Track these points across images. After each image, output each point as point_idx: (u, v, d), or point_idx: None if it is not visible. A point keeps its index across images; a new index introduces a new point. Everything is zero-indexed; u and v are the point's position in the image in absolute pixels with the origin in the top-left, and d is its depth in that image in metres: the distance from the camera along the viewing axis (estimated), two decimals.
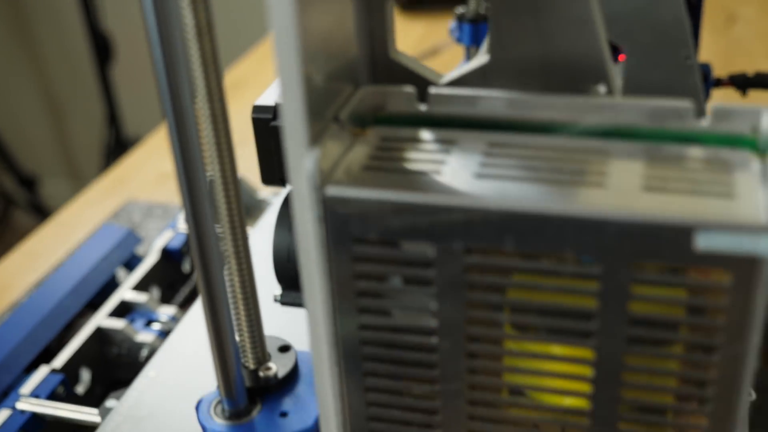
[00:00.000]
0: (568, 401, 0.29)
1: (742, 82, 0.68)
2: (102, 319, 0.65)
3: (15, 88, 1.95)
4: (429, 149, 0.29)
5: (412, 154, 0.29)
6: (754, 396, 0.56)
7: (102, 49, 1.81)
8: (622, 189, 0.27)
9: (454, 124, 0.31)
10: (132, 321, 0.66)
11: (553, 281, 0.27)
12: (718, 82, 0.68)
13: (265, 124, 0.50)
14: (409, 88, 0.31)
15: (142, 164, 0.99)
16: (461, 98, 0.30)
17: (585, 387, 0.29)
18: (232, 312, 0.34)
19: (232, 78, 1.09)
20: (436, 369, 0.30)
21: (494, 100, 0.30)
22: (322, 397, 0.32)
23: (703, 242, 0.25)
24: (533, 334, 0.28)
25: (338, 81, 0.30)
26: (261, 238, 0.60)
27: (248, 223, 0.69)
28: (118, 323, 0.65)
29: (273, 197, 0.79)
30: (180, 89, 0.29)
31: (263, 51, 1.14)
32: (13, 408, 0.57)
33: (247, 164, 0.77)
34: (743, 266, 0.25)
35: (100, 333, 0.65)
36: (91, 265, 0.70)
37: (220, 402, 0.35)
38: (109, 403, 0.56)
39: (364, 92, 0.31)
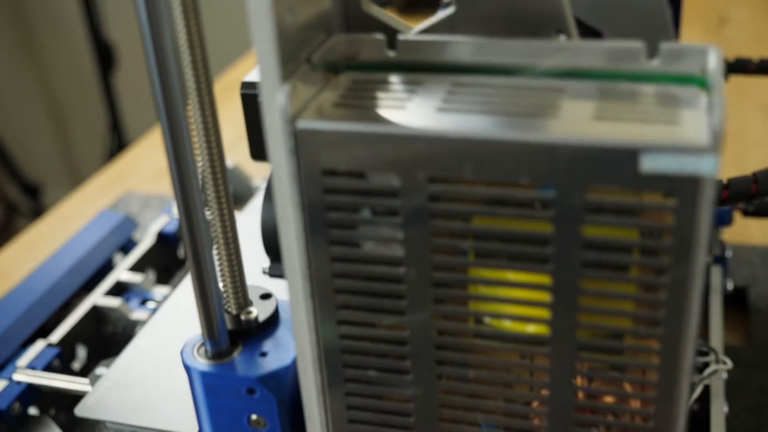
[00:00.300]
0: (531, 329, 0.31)
1: (724, 68, 0.70)
2: (98, 297, 0.67)
3: (18, 96, 1.98)
4: (396, 89, 0.31)
5: (379, 94, 0.31)
6: (730, 365, 0.57)
7: (105, 57, 1.83)
8: (575, 119, 0.28)
9: (422, 70, 0.32)
10: (127, 300, 0.67)
11: (511, 209, 0.29)
12: None
13: (253, 99, 0.52)
14: (380, 36, 0.32)
15: (140, 160, 1.01)
16: (429, 44, 0.32)
17: (544, 313, 0.30)
18: (216, 260, 0.36)
19: (226, 82, 1.11)
20: (404, 299, 0.31)
21: (460, 45, 0.32)
22: (298, 330, 0.33)
23: (648, 164, 0.27)
24: (495, 261, 0.30)
25: (311, 29, 0.32)
26: (250, 220, 0.61)
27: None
28: (113, 301, 0.66)
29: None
30: (172, 88, 0.31)
31: (253, 58, 1.16)
32: (10, 379, 0.58)
33: (243, 157, 0.79)
34: (686, 187, 0.27)
35: (95, 311, 0.66)
36: (88, 249, 0.71)
37: (203, 344, 0.37)
38: (99, 370, 0.58)
39: (336, 39, 0.33)
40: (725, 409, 0.54)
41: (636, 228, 0.29)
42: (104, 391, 0.55)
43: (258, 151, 0.55)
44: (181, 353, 0.36)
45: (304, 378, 0.34)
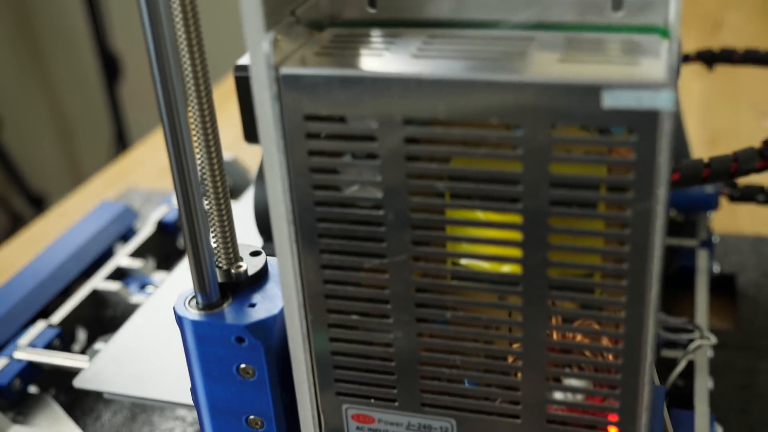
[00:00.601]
0: (505, 268, 0.33)
1: (709, 58, 0.72)
2: (98, 282, 0.68)
3: (23, 107, 2.00)
4: (375, 41, 0.33)
5: (359, 45, 0.33)
6: (714, 341, 0.58)
7: (110, 68, 1.86)
8: (542, 62, 0.30)
9: (401, 26, 0.34)
10: (127, 285, 0.69)
11: (482, 149, 0.30)
12: (686, 58, 0.72)
13: (246, 81, 0.54)
14: None
15: (142, 159, 1.03)
16: (408, 1, 0.34)
17: (516, 252, 0.32)
18: (207, 215, 0.38)
19: (226, 87, 1.13)
20: (383, 242, 0.33)
21: (437, 2, 0.34)
22: (284, 275, 0.35)
23: (609, 101, 0.28)
24: (469, 202, 0.31)
25: None
26: (245, 209, 0.63)
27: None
28: (113, 285, 0.68)
29: None
30: (174, 89, 0.34)
31: None
32: (11, 357, 0.60)
33: (242, 154, 0.81)
34: (646, 121, 0.28)
35: (95, 295, 0.68)
36: (88, 237, 0.73)
37: (194, 297, 0.38)
38: (98, 346, 0.59)
39: None
40: (710, 384, 0.55)
41: (600, 164, 0.30)
42: (102, 364, 0.57)
43: (251, 133, 0.56)
44: (174, 306, 0.38)
45: (291, 325, 0.36)
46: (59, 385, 0.62)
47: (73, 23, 1.93)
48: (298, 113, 0.31)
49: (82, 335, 0.66)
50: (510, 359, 0.34)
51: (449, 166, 0.31)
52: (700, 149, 0.89)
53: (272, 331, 0.37)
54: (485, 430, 0.36)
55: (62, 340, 0.64)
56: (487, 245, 0.32)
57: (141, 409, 0.61)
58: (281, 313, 0.38)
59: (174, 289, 0.65)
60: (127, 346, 0.59)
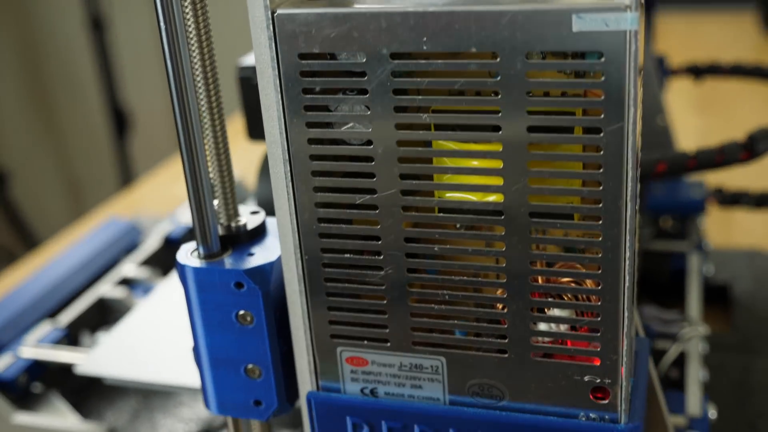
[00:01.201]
0: (489, 198, 0.34)
1: (696, 70, 0.74)
2: (104, 289, 0.70)
3: (32, 160, 2.04)
4: None
5: None
6: (705, 331, 0.60)
7: (120, 122, 1.90)
8: None
9: None
10: (133, 291, 0.71)
11: (464, 78, 0.33)
12: (675, 72, 0.75)
13: (249, 82, 0.57)
14: None
15: (149, 192, 1.05)
16: None
17: (498, 180, 0.34)
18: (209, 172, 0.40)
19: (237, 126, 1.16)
20: (374, 177, 0.35)
21: None
22: (280, 213, 0.37)
23: (579, 25, 0.31)
24: (453, 133, 0.34)
25: None
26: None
27: None
28: (119, 292, 0.70)
29: None
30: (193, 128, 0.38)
31: None
32: (17, 355, 0.61)
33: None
34: (613, 42, 0.31)
35: (102, 301, 0.70)
36: (95, 249, 0.75)
37: (196, 249, 0.40)
38: (100, 337, 0.61)
39: None
40: (702, 375, 0.56)
41: (574, 89, 0.32)
42: (103, 352, 0.58)
43: (255, 130, 0.59)
44: (176, 256, 0.40)
45: (287, 266, 0.38)
46: (64, 384, 0.63)
47: (83, 77, 1.98)
48: (293, 52, 0.34)
49: (87, 339, 0.68)
50: (495, 291, 0.36)
51: (434, 98, 0.34)
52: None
53: (270, 276, 0.39)
54: (474, 367, 0.37)
55: (68, 341, 0.65)
56: (471, 175, 0.34)
57: (144, 406, 0.62)
58: (279, 260, 0.39)
59: (177, 285, 0.67)
60: (128, 336, 0.61)
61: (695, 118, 1.15)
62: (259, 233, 0.41)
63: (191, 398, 0.61)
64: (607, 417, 0.36)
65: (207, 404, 0.43)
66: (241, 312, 0.39)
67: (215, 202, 0.41)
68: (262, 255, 0.40)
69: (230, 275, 0.39)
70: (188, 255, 0.40)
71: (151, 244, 0.77)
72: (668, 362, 0.57)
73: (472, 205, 0.35)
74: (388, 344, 0.38)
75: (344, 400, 0.39)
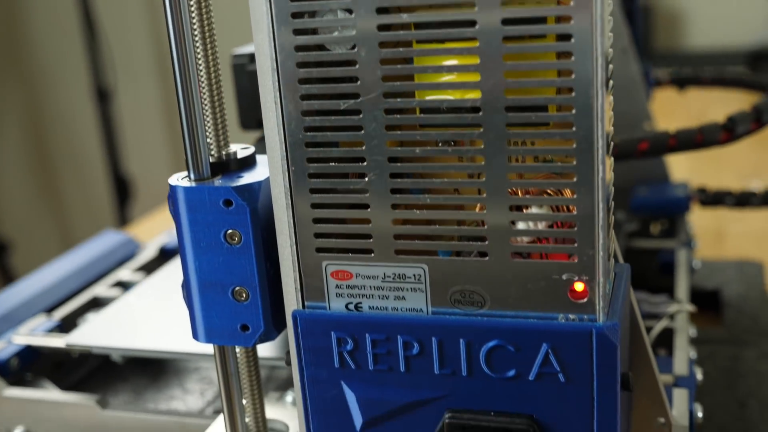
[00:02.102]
0: (467, 96, 0.36)
1: (680, 81, 0.77)
2: (99, 289, 0.71)
3: (33, 230, 2.06)
4: None
5: None
6: (692, 308, 0.60)
7: (122, 191, 1.93)
8: None
9: None
10: (127, 291, 0.71)
11: None
12: (659, 82, 0.77)
13: (243, 68, 0.59)
14: None
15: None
16: None
17: (475, 76, 0.35)
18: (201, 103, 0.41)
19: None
20: (358, 81, 0.37)
21: None
22: (267, 125, 0.38)
23: None
24: (432, 31, 0.35)
25: None
26: None
27: None
28: (113, 292, 0.70)
29: None
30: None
31: None
32: (9, 341, 0.62)
33: None
34: None
35: (95, 300, 0.70)
36: (91, 257, 0.76)
37: (188, 175, 0.41)
38: (89, 316, 0.62)
39: None
40: (690, 352, 0.57)
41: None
42: (92, 327, 0.59)
43: (247, 119, 0.61)
44: (168, 181, 0.41)
45: (275, 180, 0.39)
46: (56, 374, 0.64)
47: (87, 145, 2.02)
48: None
49: None
50: (475, 192, 0.37)
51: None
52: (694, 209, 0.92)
53: (258, 194, 0.40)
54: (455, 273, 0.38)
55: (61, 332, 0.66)
56: (450, 73, 0.36)
57: (138, 397, 0.62)
58: (267, 181, 0.41)
59: (171, 275, 0.68)
60: (117, 313, 0.62)
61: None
62: (248, 163, 0.43)
63: (180, 386, 0.62)
64: (585, 317, 0.37)
65: (195, 335, 0.43)
66: (229, 231, 0.41)
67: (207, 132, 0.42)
68: (250, 177, 0.41)
69: (219, 192, 0.40)
70: (179, 179, 0.41)
71: (147, 253, 0.79)
72: (655, 335, 0.57)
73: (450, 103, 0.36)
74: (372, 254, 0.39)
75: (329, 315, 0.40)
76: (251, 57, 0.60)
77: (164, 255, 0.79)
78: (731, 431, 0.57)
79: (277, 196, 0.40)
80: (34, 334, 0.64)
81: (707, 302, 0.76)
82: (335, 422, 0.41)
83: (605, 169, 0.35)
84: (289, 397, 0.52)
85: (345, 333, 0.40)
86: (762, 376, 0.63)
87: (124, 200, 1.93)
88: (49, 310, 0.70)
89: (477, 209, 0.37)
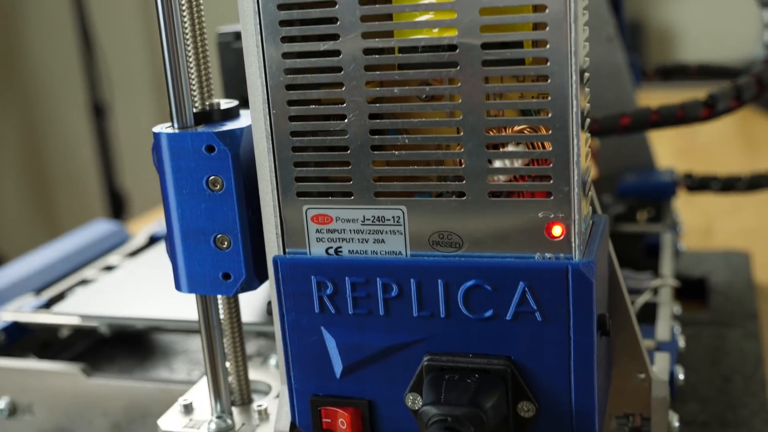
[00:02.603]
0: (444, 34, 0.37)
1: (664, 72, 0.78)
2: (87, 272, 0.71)
3: (28, 244, 2.06)
4: None
5: None
6: (675, 283, 0.61)
7: (117, 206, 1.94)
8: None
9: None
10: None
11: None
12: (645, 75, 0.78)
13: (228, 46, 0.60)
14: None
15: None
16: None
17: (451, 14, 0.36)
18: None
19: None
20: (337, 21, 0.37)
21: None
22: (249, 68, 0.39)
23: None
24: None
25: None
26: None
27: None
28: (102, 274, 0.71)
29: None
30: None
31: None
32: None
33: None
34: None
35: (83, 282, 0.71)
36: (82, 243, 0.76)
37: (171, 125, 0.42)
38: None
39: None
40: (675, 327, 0.57)
41: None
42: (79, 297, 0.59)
43: (232, 98, 0.62)
44: (152, 130, 0.42)
45: (256, 126, 0.40)
46: (44, 354, 0.64)
47: (82, 160, 2.03)
48: None
49: None
50: (453, 131, 0.38)
51: None
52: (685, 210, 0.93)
53: (240, 140, 0.41)
54: (433, 214, 0.39)
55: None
56: (427, 11, 0.37)
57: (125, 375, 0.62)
58: (249, 129, 0.41)
59: (159, 257, 0.69)
60: (106, 285, 0.62)
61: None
62: (232, 114, 0.43)
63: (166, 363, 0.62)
64: (562, 256, 0.37)
65: (177, 285, 0.43)
66: (212, 177, 0.41)
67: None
68: (233, 125, 0.42)
69: (201, 138, 0.41)
70: (164, 128, 0.42)
71: (137, 240, 0.79)
72: (638, 306, 0.57)
73: (428, 41, 0.37)
74: (352, 197, 0.39)
75: (309, 260, 0.40)
76: (236, 35, 0.61)
77: (154, 243, 0.79)
78: (715, 403, 0.57)
79: (258, 140, 0.40)
80: (21, 310, 0.64)
81: (693, 291, 0.76)
82: (316, 369, 0.42)
83: (579, 104, 0.36)
84: (272, 361, 0.52)
85: (325, 277, 0.40)
86: (746, 354, 0.63)
87: (118, 215, 1.94)
88: (38, 291, 0.70)
89: (455, 149, 0.38)
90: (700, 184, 0.71)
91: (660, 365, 0.48)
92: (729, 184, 0.70)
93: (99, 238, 0.79)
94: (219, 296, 0.45)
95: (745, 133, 1.40)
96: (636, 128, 0.60)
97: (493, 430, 0.38)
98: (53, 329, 0.64)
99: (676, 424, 0.45)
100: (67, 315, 0.58)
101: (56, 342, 0.66)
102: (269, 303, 0.43)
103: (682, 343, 0.53)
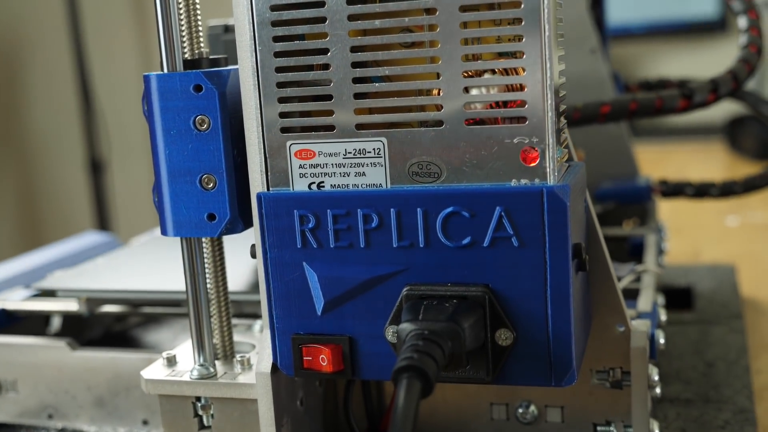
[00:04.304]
0: None
1: (647, 86, 0.80)
2: None
3: None
4: None
5: None
6: (659, 269, 0.62)
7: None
8: None
9: None
10: None
11: None
12: (628, 88, 0.80)
13: (218, 38, 0.62)
14: None
15: None
16: None
17: None
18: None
19: None
20: None
21: None
22: (237, 9, 0.41)
23: None
24: None
25: None
26: None
27: None
28: None
29: None
30: None
31: None
32: None
33: None
34: None
35: None
36: (73, 250, 0.77)
37: (162, 71, 0.43)
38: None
39: None
40: (660, 299, 0.57)
41: None
42: (62, 275, 0.60)
43: None
44: (143, 75, 0.43)
45: (242, 64, 0.41)
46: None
47: (79, 216, 2.04)
48: None
49: (56, 322, 0.69)
50: (430, 60, 0.39)
51: None
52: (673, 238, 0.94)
53: (227, 80, 0.42)
54: (413, 144, 0.40)
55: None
56: None
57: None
58: (236, 72, 0.43)
59: (146, 246, 0.69)
60: (89, 267, 0.63)
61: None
62: (219, 64, 0.45)
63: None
64: (537, 181, 0.39)
65: (164, 230, 0.44)
66: (199, 117, 0.42)
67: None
68: (221, 69, 0.43)
69: (190, 78, 0.42)
70: (153, 76, 0.43)
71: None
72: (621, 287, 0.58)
73: None
74: (334, 130, 0.41)
75: (292, 194, 0.41)
76: (226, 27, 0.63)
77: None
78: (699, 384, 0.57)
79: (244, 78, 0.41)
80: (10, 299, 0.64)
81: (679, 300, 0.77)
82: (297, 307, 0.42)
83: (551, 30, 0.37)
84: (256, 326, 0.52)
85: (307, 210, 0.41)
86: (729, 346, 0.63)
87: None
88: (28, 286, 0.70)
89: (434, 78, 0.39)
90: (674, 189, 0.73)
91: (640, 324, 0.48)
92: (702, 190, 0.71)
93: (91, 246, 0.80)
94: (204, 242, 0.45)
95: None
96: (616, 116, 0.61)
97: (470, 353, 0.38)
98: (43, 318, 0.64)
99: (656, 377, 0.46)
100: (47, 288, 0.59)
101: (44, 335, 0.66)
102: (253, 245, 0.43)
103: (663, 316, 0.54)
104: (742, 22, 0.67)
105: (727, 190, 0.71)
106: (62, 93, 2.11)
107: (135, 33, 2.09)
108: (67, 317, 0.66)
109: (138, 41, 2.09)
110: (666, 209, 1.14)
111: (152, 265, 0.65)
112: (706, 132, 1.71)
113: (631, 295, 0.57)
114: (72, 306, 0.59)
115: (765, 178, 0.71)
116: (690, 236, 1.03)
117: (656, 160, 1.57)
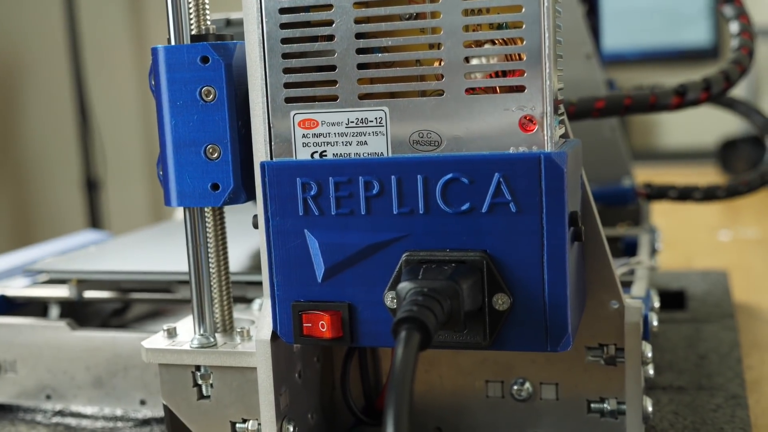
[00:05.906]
0: None
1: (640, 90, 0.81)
2: None
3: None
4: None
5: None
6: (652, 263, 0.63)
7: None
8: None
9: None
10: None
11: None
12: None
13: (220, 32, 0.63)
14: None
15: None
16: None
17: None
18: None
19: None
20: None
21: None
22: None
23: None
24: None
25: None
26: None
27: None
28: None
29: None
30: None
31: None
32: None
33: None
34: None
35: None
36: (72, 245, 0.78)
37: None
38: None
39: None
40: (653, 294, 0.58)
41: None
42: (59, 259, 0.61)
43: None
44: (151, 48, 0.44)
45: (249, 35, 0.42)
46: None
47: (70, 222, 2.04)
48: None
49: (54, 311, 0.69)
50: (432, 31, 0.40)
51: None
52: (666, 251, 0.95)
53: (233, 52, 0.43)
54: (414, 113, 0.41)
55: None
56: None
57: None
58: (242, 45, 0.44)
59: (144, 234, 0.70)
60: (87, 252, 0.63)
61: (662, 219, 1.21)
62: (225, 39, 0.46)
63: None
64: (535, 148, 0.40)
65: (167, 200, 0.45)
66: (205, 88, 0.43)
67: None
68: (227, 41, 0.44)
69: (197, 49, 0.43)
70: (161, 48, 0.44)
71: None
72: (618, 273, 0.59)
73: None
74: (338, 100, 0.42)
75: (295, 162, 0.42)
76: (228, 21, 0.64)
77: None
78: (691, 374, 0.58)
79: (250, 49, 0.43)
80: (9, 286, 0.65)
81: (672, 303, 0.77)
82: (298, 274, 0.43)
83: (551, 4, 0.39)
84: (255, 305, 0.53)
85: (309, 178, 0.42)
86: (722, 341, 0.64)
87: None
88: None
89: (436, 48, 0.40)
90: (658, 192, 0.74)
91: (633, 302, 0.49)
92: (685, 194, 0.72)
93: (90, 243, 0.80)
94: (206, 216, 0.46)
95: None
96: (610, 112, 0.63)
97: (468, 317, 0.39)
98: (41, 310, 0.65)
99: (649, 354, 0.46)
100: (43, 270, 0.60)
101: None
102: (255, 216, 0.44)
103: (657, 302, 0.55)
104: (734, 26, 0.69)
105: (710, 194, 0.72)
106: (60, 112, 2.12)
107: (133, 54, 2.11)
108: (64, 310, 0.66)
109: (137, 62, 2.11)
110: (658, 223, 1.16)
111: (144, 250, 0.66)
112: (700, 156, 1.73)
113: (625, 286, 0.58)
114: (67, 292, 0.60)
115: (748, 184, 0.72)
116: (682, 249, 1.04)
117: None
